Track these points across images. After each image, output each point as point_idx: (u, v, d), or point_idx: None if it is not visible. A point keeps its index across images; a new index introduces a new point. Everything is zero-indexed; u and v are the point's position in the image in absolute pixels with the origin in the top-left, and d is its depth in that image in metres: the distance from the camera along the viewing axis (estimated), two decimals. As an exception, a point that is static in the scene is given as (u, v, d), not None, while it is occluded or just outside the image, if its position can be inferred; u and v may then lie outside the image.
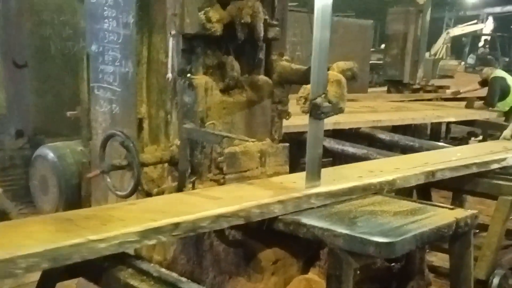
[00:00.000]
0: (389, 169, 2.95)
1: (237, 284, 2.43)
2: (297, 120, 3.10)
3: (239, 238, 2.44)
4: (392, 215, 2.22)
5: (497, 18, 27.67)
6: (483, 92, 8.31)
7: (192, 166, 2.55)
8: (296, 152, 3.16)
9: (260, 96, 2.78)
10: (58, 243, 1.64)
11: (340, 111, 2.37)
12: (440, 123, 8.14)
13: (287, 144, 2.88)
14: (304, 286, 2.39)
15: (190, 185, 2.53)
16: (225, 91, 2.64)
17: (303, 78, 2.59)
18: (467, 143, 8.01)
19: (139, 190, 2.64)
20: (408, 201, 2.50)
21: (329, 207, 2.34)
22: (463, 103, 8.19)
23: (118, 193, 2.58)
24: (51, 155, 4.16)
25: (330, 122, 4.90)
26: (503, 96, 7.88)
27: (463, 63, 22.81)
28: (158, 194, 2.66)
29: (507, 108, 7.88)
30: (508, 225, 3.50)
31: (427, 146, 4.96)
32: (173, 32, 2.47)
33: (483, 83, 8.31)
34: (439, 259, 3.79)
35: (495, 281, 3.31)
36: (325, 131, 2.52)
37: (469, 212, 2.31)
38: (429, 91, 9.63)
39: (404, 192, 3.19)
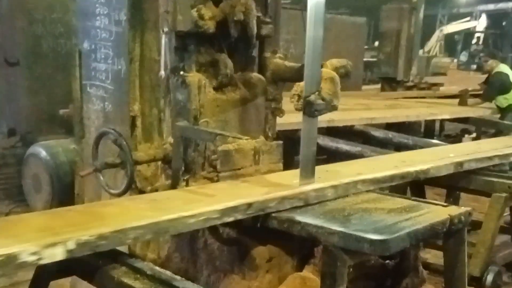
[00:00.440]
0: (419, 160, 3.16)
1: (232, 282, 2.43)
2: (291, 117, 3.10)
3: (233, 236, 2.43)
4: (386, 213, 2.22)
5: (491, 15, 27.79)
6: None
7: (185, 164, 2.54)
8: (290, 150, 3.16)
9: (254, 94, 2.77)
10: (157, 218, 1.87)
11: (334, 108, 2.37)
12: (434, 121, 8.16)
13: (281, 142, 2.87)
14: (299, 283, 2.38)
15: (184, 183, 2.52)
16: (218, 88, 2.63)
17: (297, 75, 2.58)
18: (460, 140, 8.03)
19: (133, 188, 2.63)
20: (402, 199, 2.50)
21: (323, 204, 2.34)
22: (456, 100, 8.19)
23: (111, 191, 2.57)
24: (43, 153, 4.13)
25: (324, 120, 4.91)
26: (504, 91, 7.73)
27: (455, 60, 22.89)
28: (151, 192, 2.65)
29: (505, 105, 7.77)
30: (502, 222, 3.51)
31: (421, 143, 4.98)
32: (165, 29, 2.46)
33: (488, 77, 8.12)
34: (433, 256, 3.79)
35: (489, 277, 3.32)
36: (319, 128, 2.52)
37: (463, 209, 2.31)
38: (423, 89, 9.65)
39: (398, 190, 3.20)
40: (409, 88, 9.53)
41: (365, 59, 12.56)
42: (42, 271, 2.13)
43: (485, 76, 8.38)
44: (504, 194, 3.35)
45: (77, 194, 3.26)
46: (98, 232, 1.70)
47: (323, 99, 2.30)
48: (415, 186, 3.71)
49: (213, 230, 2.43)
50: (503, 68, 8.03)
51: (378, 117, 6.21)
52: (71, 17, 3.26)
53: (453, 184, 3.57)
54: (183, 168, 2.53)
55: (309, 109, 2.29)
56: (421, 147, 4.46)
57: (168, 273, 1.98)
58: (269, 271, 2.41)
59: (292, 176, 2.52)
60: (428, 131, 8.36)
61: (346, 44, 9.72)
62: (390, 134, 5.61)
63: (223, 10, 2.51)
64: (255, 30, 2.60)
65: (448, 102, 8.36)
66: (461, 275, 2.40)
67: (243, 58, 2.78)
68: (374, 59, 12.42)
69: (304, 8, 2.33)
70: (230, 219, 2.05)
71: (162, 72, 2.53)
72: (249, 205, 2.10)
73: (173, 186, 2.53)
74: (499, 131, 6.99)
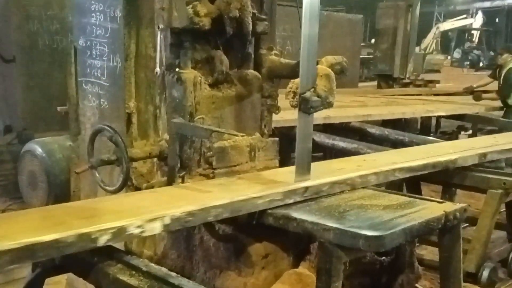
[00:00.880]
0: (445, 151, 3.39)
1: (228, 278, 2.43)
2: (287, 114, 3.11)
3: (229, 232, 2.43)
4: (382, 209, 2.23)
5: (487, 12, 27.82)
6: (495, 85, 8.17)
7: (181, 161, 2.53)
8: (286, 147, 3.16)
9: (249, 91, 2.77)
10: (233, 198, 2.09)
11: (329, 105, 2.37)
12: (430, 117, 8.17)
13: (277, 139, 2.88)
14: (295, 280, 2.39)
15: (180, 180, 2.52)
16: (214, 85, 2.63)
17: (292, 72, 2.58)
18: (457, 137, 8.03)
19: (128, 185, 2.63)
20: (397, 195, 2.51)
21: (319, 201, 2.34)
22: (452, 98, 8.20)
23: (107, 188, 2.57)
24: (39, 150, 4.11)
25: (320, 117, 4.91)
26: None
27: (449, 57, 22.92)
28: (147, 189, 2.65)
29: None
30: (497, 218, 3.51)
31: (417, 140, 4.97)
32: (161, 26, 2.45)
33: (496, 70, 8.00)
34: (429, 253, 3.81)
35: (485, 273, 3.32)
36: (316, 125, 2.52)
37: (458, 205, 2.31)
38: (419, 86, 9.66)
39: (394, 186, 3.20)
40: (406, 85, 9.54)
41: (361, 56, 12.58)
42: (38, 268, 2.13)
43: (484, 73, 8.34)
44: (499, 191, 3.35)
45: (73, 191, 3.26)
46: (187, 210, 1.94)
47: (318, 96, 2.30)
48: (411, 183, 3.71)
49: (209, 226, 2.43)
50: None
51: (374, 114, 6.21)
52: (67, 13, 3.25)
53: (449, 180, 3.57)
54: (178, 164, 2.52)
55: (304, 106, 2.29)
56: (417, 144, 4.45)
57: (164, 269, 1.98)
58: (265, 267, 2.41)
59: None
60: (424, 128, 8.37)
61: (342, 41, 9.73)
62: (386, 131, 5.61)
63: (218, 6, 2.51)
64: (250, 27, 2.59)
65: (444, 99, 8.37)
66: (457, 271, 2.41)
67: (239, 55, 2.77)
68: (371, 56, 12.44)
69: (300, 5, 2.33)
70: (291, 201, 2.26)
71: (158, 69, 2.52)
72: (306, 188, 2.32)
73: (169, 182, 2.53)
74: (499, 129, 6.90)
